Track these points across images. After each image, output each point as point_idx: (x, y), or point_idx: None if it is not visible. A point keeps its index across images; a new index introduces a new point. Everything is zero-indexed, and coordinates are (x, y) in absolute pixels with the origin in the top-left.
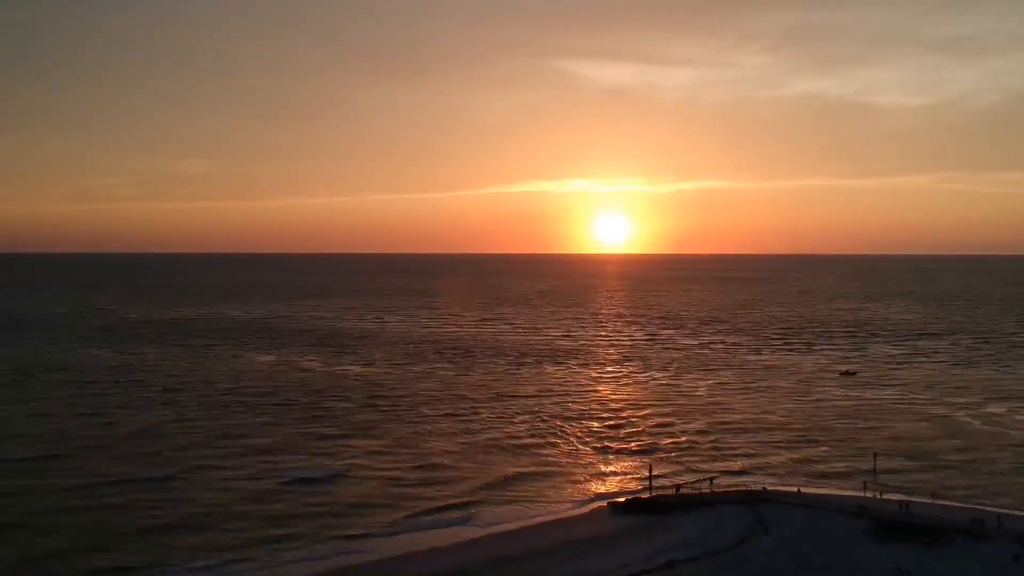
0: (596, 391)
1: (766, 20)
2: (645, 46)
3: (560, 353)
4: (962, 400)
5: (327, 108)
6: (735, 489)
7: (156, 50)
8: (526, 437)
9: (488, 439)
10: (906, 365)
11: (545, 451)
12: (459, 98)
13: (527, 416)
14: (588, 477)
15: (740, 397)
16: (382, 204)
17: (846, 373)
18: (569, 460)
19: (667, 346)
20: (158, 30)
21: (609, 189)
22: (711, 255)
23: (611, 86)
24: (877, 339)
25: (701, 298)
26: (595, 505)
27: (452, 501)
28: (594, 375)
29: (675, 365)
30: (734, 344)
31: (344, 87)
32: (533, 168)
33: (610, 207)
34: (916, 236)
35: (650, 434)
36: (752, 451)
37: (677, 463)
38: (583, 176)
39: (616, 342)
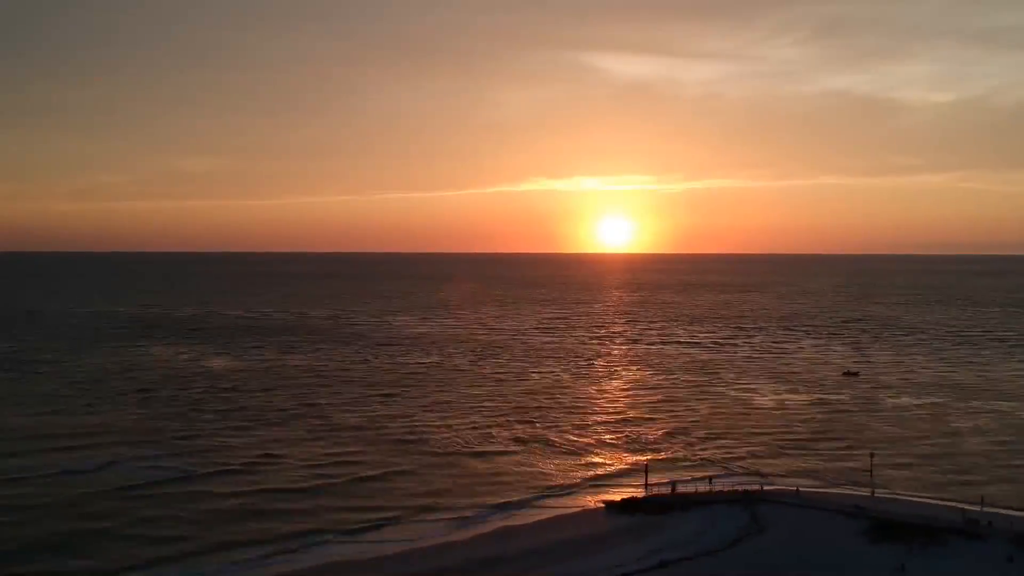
0: (594, 391)
1: (802, 11)
2: (672, 38)
3: (559, 354)
4: (962, 401)
5: (335, 105)
6: (732, 489)
7: (161, 46)
8: (521, 434)
9: (482, 436)
10: (909, 366)
11: (540, 449)
12: (472, 95)
13: (522, 413)
14: (584, 476)
15: (741, 397)
16: (390, 203)
17: (849, 373)
18: (565, 459)
19: (664, 347)
20: (164, 26)
21: (619, 188)
22: (718, 255)
23: (630, 81)
24: (881, 340)
25: (700, 300)
26: (591, 504)
27: (446, 499)
28: (592, 375)
29: (673, 366)
30: (733, 344)
31: (353, 83)
32: (543, 166)
33: (618, 206)
34: (931, 236)
35: (647, 433)
36: (751, 450)
37: (674, 462)
38: (593, 174)
39: (614, 344)
